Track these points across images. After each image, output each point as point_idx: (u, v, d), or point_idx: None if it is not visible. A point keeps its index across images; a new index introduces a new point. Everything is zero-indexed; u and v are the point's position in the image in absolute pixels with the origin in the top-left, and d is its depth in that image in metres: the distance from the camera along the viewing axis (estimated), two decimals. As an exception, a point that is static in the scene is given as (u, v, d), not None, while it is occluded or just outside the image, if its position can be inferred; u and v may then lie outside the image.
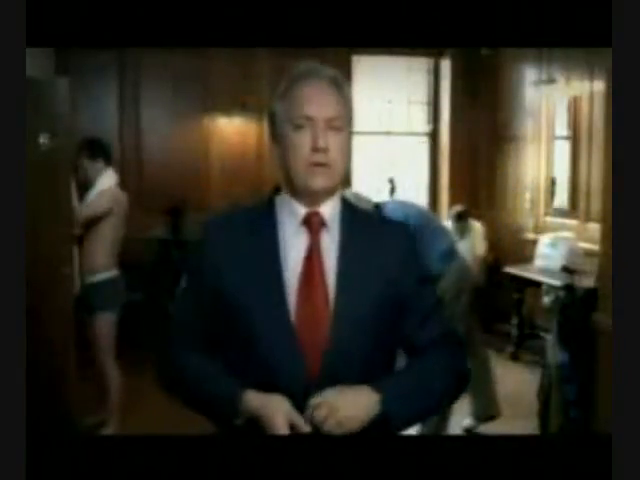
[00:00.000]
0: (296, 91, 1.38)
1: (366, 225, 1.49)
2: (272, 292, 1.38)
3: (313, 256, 1.40)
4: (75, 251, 3.87)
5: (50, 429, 3.42)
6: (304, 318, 1.37)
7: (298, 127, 1.37)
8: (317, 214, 1.42)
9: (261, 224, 1.44)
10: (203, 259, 1.45)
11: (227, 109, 6.07)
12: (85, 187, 3.93)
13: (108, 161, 3.96)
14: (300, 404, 1.32)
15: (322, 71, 1.41)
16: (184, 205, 5.76)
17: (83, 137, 3.99)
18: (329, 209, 1.44)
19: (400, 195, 6.16)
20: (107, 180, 3.91)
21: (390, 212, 3.43)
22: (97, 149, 3.93)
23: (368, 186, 6.40)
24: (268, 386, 1.34)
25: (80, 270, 3.89)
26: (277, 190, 1.47)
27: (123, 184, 4.28)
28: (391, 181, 6.20)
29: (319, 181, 1.38)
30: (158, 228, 5.78)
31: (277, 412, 1.29)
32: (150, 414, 4.10)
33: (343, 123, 1.39)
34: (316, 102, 1.37)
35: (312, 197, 1.41)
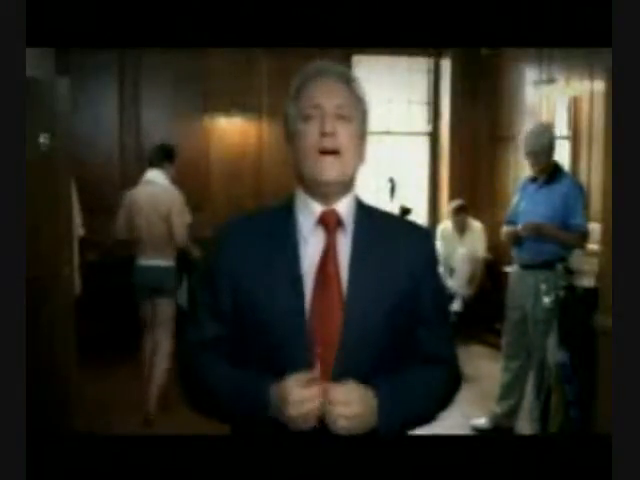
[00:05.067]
0: (306, 89, 1.40)
1: (383, 227, 1.46)
2: (289, 295, 1.36)
3: (328, 257, 1.38)
4: (75, 251, 3.87)
5: (50, 429, 3.42)
6: (318, 321, 1.35)
7: (307, 118, 1.37)
8: (333, 212, 1.40)
9: (280, 224, 1.42)
10: (221, 260, 1.43)
11: (227, 109, 6.06)
12: None
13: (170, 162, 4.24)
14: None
15: (331, 69, 1.42)
16: (184, 205, 5.76)
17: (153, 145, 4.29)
18: (345, 207, 1.42)
19: (400, 195, 6.16)
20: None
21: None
22: (162, 155, 4.20)
23: (368, 186, 6.39)
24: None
25: (147, 254, 4.13)
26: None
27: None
28: (391, 181, 6.19)
29: (329, 171, 1.35)
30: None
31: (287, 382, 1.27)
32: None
33: (352, 113, 1.39)
34: (324, 92, 1.38)
35: (324, 191, 1.39)
